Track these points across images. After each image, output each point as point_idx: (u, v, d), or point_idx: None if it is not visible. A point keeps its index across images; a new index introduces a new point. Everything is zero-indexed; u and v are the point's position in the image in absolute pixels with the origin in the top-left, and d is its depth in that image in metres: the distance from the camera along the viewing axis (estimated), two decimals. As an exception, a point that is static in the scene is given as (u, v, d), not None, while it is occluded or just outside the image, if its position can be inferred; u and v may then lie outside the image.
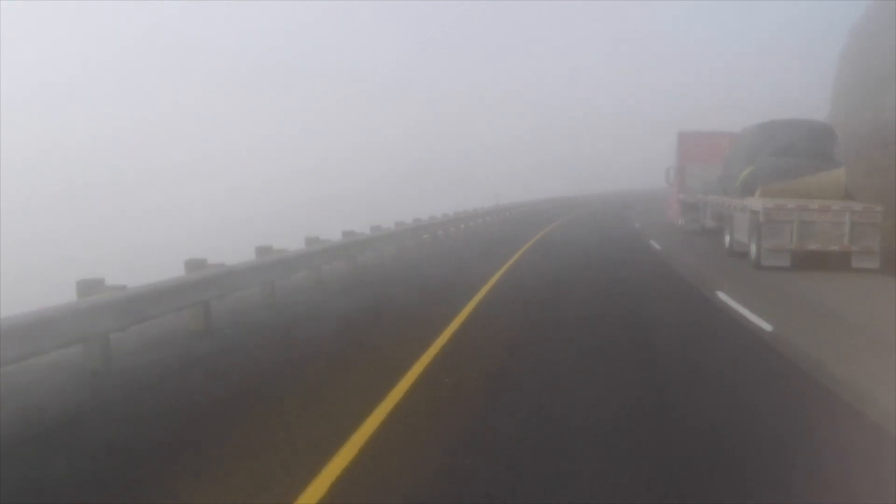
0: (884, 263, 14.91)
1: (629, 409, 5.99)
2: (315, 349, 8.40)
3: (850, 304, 11.42)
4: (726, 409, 5.97)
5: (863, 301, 11.84)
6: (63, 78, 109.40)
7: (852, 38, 39.26)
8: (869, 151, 22.89)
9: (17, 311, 6.41)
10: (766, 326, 9.29)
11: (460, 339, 8.62)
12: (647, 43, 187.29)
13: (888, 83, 26.84)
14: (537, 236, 25.52)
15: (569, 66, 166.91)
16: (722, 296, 11.72)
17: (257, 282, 11.19)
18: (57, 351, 7.05)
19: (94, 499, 4.43)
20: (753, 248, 15.82)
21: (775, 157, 17.14)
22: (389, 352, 8.04)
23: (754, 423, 5.64)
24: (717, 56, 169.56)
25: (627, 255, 18.91)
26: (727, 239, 18.64)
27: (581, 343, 8.56)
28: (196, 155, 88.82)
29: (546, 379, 6.94)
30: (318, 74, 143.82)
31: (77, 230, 52.81)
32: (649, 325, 9.67)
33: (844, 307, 11.13)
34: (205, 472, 4.77)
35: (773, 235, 15.17)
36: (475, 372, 7.19)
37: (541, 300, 11.84)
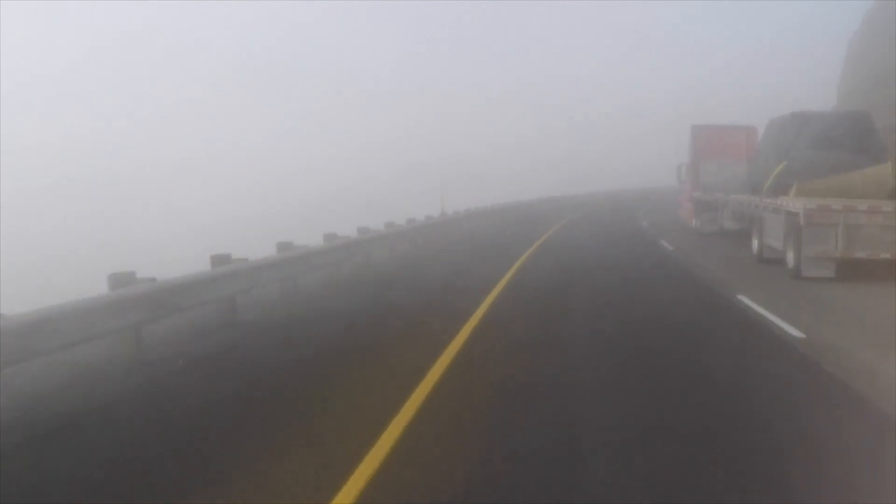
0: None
1: None
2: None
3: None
4: None
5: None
6: (60, 75, 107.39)
7: (864, 25, 37.30)
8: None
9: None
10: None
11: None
12: (649, 41, 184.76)
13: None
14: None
15: (570, 65, 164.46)
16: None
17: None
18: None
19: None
20: (791, 256, 13.74)
21: (812, 150, 15.06)
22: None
23: None
24: (720, 52, 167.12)
25: (645, 262, 16.84)
26: (755, 243, 16.56)
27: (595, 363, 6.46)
28: (192, 153, 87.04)
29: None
30: (317, 74, 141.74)
31: (73, 226, 51.65)
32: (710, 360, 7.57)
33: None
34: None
35: (816, 241, 13.08)
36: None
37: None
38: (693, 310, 10.88)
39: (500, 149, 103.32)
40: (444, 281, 14.50)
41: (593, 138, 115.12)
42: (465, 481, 4.63)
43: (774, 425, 5.58)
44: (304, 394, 6.76)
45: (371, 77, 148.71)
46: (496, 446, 5.25)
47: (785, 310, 10.17)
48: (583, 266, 15.90)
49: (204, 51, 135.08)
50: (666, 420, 5.68)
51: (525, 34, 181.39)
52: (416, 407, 6.07)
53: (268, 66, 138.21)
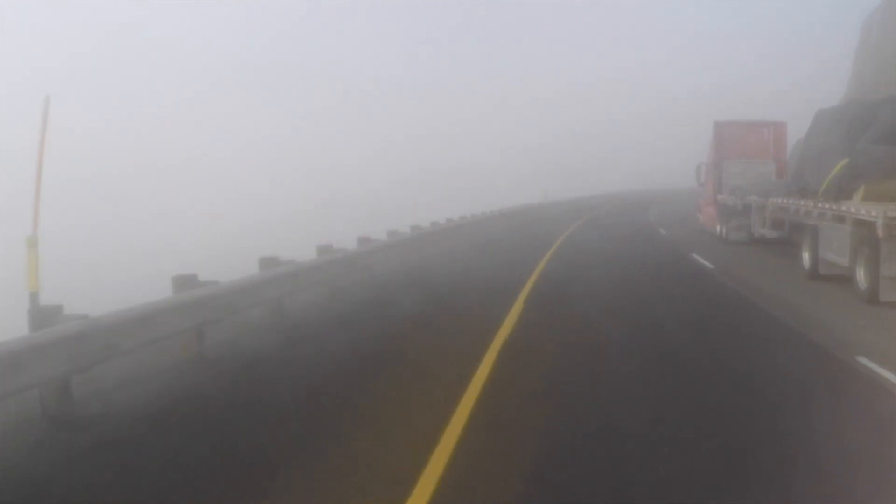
0: None
1: None
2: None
3: None
4: None
5: None
6: (59, 74, 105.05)
7: (883, 4, 34.67)
8: None
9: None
10: None
11: None
12: (652, 41, 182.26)
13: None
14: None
15: (571, 65, 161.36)
16: None
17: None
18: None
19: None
20: (862, 275, 11.08)
21: (882, 145, 12.36)
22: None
23: None
24: (725, 50, 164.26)
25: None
26: (805, 257, 13.90)
27: None
28: (194, 156, 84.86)
29: None
30: (317, 76, 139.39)
31: (71, 228, 50.10)
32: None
33: None
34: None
35: (898, 258, 10.43)
36: None
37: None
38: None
39: (504, 152, 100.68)
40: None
41: (597, 140, 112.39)
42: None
43: None
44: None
45: (375, 79, 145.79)
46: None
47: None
48: (608, 296, 12.62)
49: (205, 51, 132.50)
50: None
51: (525, 38, 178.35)
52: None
53: (269, 67, 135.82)
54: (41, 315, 6.47)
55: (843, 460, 4.88)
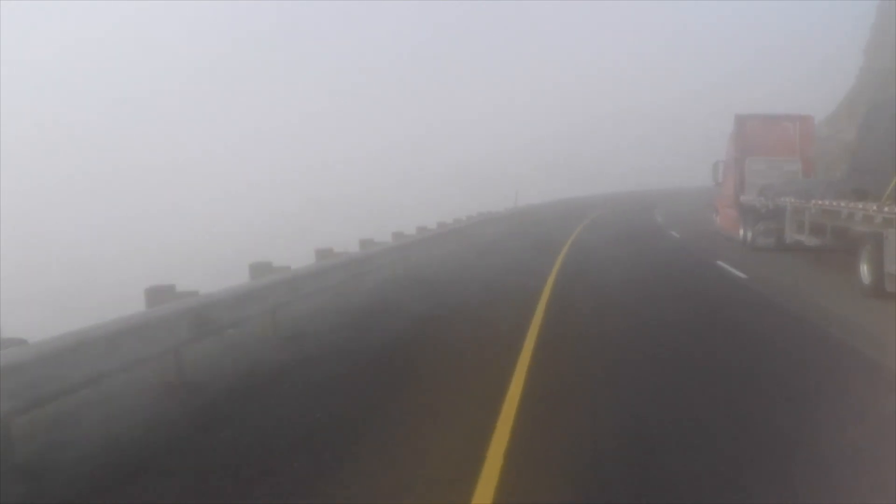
0: None
1: None
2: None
3: None
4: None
5: None
6: (59, 74, 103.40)
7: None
8: None
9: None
10: None
11: None
12: (647, 36, 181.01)
13: None
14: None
15: (571, 64, 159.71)
16: None
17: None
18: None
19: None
20: (952, 295, 9.28)
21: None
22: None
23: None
24: (728, 42, 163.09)
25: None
26: (864, 270, 12.07)
27: None
28: (192, 154, 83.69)
29: None
30: (318, 76, 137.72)
31: (71, 229, 50.03)
32: None
33: None
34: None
35: None
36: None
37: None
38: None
39: (501, 152, 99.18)
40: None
41: (595, 140, 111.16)
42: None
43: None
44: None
45: (374, 78, 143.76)
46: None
47: None
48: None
49: (203, 50, 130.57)
50: None
51: (523, 36, 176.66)
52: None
53: (265, 66, 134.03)
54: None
55: None
